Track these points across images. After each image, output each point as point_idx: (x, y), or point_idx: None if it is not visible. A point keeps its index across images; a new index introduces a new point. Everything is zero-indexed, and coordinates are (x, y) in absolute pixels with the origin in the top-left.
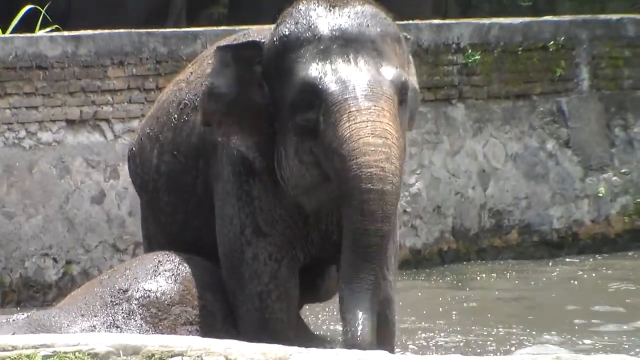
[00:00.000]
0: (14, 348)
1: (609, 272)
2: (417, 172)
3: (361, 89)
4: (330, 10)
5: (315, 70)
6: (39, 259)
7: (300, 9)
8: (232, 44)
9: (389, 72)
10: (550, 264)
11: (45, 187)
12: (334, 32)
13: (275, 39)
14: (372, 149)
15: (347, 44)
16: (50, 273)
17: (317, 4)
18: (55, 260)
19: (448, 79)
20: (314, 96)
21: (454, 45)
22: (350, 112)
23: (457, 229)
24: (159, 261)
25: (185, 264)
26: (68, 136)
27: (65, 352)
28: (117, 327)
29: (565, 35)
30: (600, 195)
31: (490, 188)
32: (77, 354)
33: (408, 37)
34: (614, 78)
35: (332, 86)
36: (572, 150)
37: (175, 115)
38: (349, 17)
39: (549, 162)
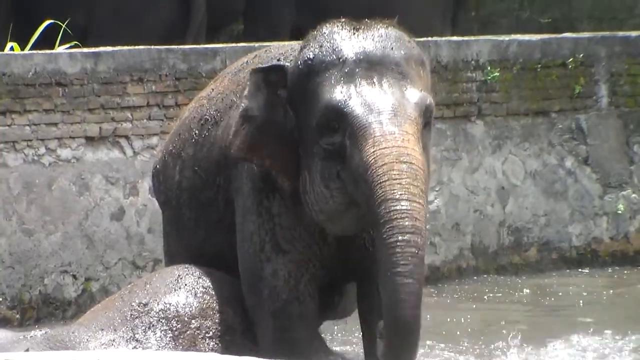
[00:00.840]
0: None
1: (629, 288)
2: (436, 189)
3: (386, 112)
4: (354, 34)
5: (339, 93)
6: (58, 276)
7: (324, 33)
8: (262, 67)
9: (413, 94)
10: (569, 281)
11: (65, 203)
12: (358, 55)
13: (299, 62)
14: (397, 174)
15: (371, 67)
16: (69, 290)
17: (341, 28)
18: (74, 277)
19: (467, 95)
20: (339, 119)
21: (472, 62)
22: (375, 137)
23: (476, 246)
24: (179, 275)
25: (205, 278)
26: (87, 153)
27: None
28: (137, 340)
29: (584, 52)
30: (619, 212)
31: (509, 205)
32: None
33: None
34: (633, 95)
35: (357, 109)
36: (591, 168)
37: (196, 131)
38: (373, 40)
39: (568, 179)
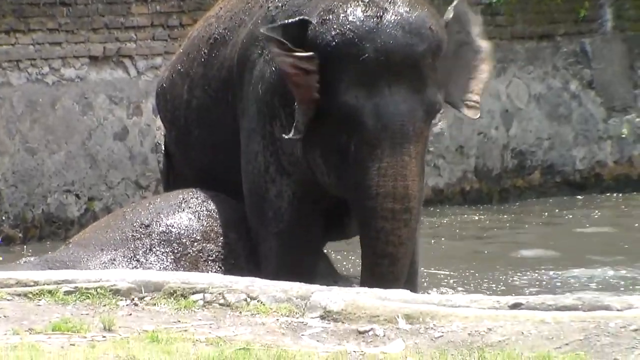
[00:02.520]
0: (36, 283)
1: (633, 211)
2: (440, 112)
3: (395, 129)
4: (378, 21)
5: (354, 98)
6: (61, 195)
7: (348, 13)
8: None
9: (424, 100)
10: (573, 203)
11: (68, 123)
12: (379, 55)
13: (319, 39)
14: (392, 216)
15: (391, 68)
16: (72, 209)
17: (364, 8)
18: (77, 196)
19: None
20: (349, 125)
21: None
22: (380, 165)
23: (479, 169)
24: (183, 198)
25: (209, 201)
26: (91, 72)
27: (87, 288)
28: (138, 260)
29: None
30: (623, 136)
31: (513, 128)
32: (98, 290)
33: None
34: (638, 19)
35: (367, 121)
36: (595, 91)
37: (206, 50)
38: (396, 32)
39: (572, 103)
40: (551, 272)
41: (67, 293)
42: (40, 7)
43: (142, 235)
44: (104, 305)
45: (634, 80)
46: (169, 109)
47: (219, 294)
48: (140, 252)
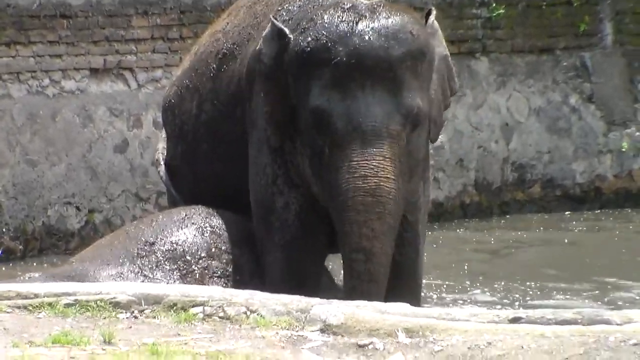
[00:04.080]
0: (36, 296)
1: (631, 225)
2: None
3: (367, 131)
4: (353, 26)
5: (326, 100)
6: (61, 207)
7: (325, 20)
8: (276, 26)
9: (401, 104)
10: (573, 218)
11: (69, 135)
12: (351, 58)
13: (296, 46)
14: (364, 208)
15: (364, 71)
16: (72, 221)
17: (342, 15)
18: (78, 208)
19: (472, 32)
20: (322, 128)
21: None
22: (351, 162)
23: (479, 182)
24: (186, 214)
25: (212, 218)
26: (91, 85)
27: (87, 301)
28: (145, 276)
29: None
30: (623, 150)
31: (513, 142)
32: (98, 302)
33: (430, 10)
34: (638, 33)
35: (339, 123)
36: (595, 105)
37: (214, 65)
38: (371, 36)
39: (572, 116)
40: (551, 285)
41: (67, 305)
42: (41, 20)
43: (148, 252)
44: (104, 318)
45: (634, 94)
46: (177, 123)
47: (219, 307)
48: (147, 268)
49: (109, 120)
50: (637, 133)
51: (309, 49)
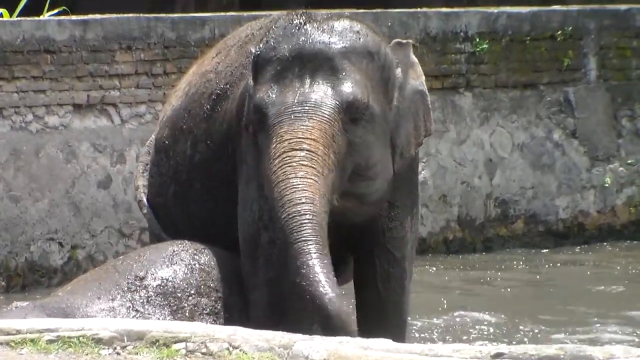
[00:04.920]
0: (18, 332)
1: (614, 261)
2: (424, 160)
3: (297, 111)
4: (299, 29)
5: (265, 92)
6: (44, 244)
7: (277, 26)
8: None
9: (337, 92)
10: (556, 253)
11: (52, 171)
12: (292, 52)
13: (255, 56)
14: (289, 159)
15: (303, 64)
16: (55, 257)
17: (292, 21)
18: (60, 244)
19: (456, 67)
20: (261, 119)
21: (461, 34)
22: (279, 132)
23: (462, 218)
24: (174, 250)
25: (201, 254)
26: (75, 120)
27: (70, 337)
28: (137, 311)
29: (573, 25)
30: (607, 185)
31: (496, 177)
32: (81, 338)
33: (407, 42)
34: (622, 68)
35: (273, 109)
36: (578, 141)
37: (208, 106)
38: (313, 35)
39: (556, 152)
40: (533, 320)
41: (50, 342)
42: (25, 55)
43: (139, 287)
44: (86, 354)
45: (617, 130)
46: (171, 165)
47: (202, 342)
48: (139, 303)
49: (93, 156)
50: (621, 168)
51: (259, 52)
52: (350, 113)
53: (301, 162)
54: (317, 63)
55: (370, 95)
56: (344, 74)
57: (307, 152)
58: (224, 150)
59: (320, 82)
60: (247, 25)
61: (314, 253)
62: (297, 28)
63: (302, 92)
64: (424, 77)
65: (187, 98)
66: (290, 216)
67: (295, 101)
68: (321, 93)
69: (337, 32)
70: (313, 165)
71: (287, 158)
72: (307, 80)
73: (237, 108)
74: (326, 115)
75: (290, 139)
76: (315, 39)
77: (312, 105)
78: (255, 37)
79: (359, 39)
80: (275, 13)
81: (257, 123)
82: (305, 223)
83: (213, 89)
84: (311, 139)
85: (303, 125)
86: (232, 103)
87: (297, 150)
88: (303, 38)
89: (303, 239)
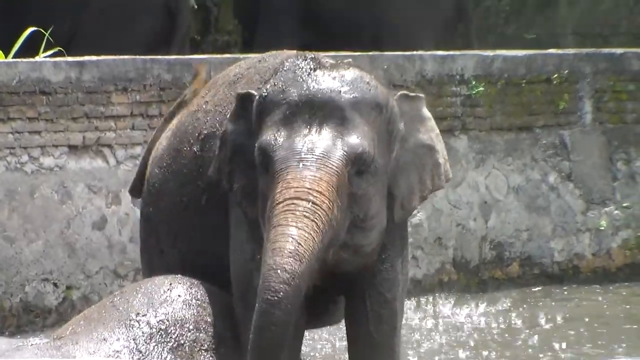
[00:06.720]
0: None
1: (609, 304)
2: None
3: (305, 159)
4: (309, 74)
5: (272, 136)
6: (39, 284)
7: (284, 69)
8: (240, 94)
9: (345, 143)
10: (551, 296)
11: (47, 212)
12: (302, 99)
13: (260, 97)
14: (293, 207)
15: (314, 111)
16: (50, 298)
17: (300, 66)
18: (55, 285)
19: (451, 110)
20: (266, 162)
21: (457, 77)
22: (285, 179)
23: (457, 260)
24: (170, 284)
25: (196, 289)
26: (70, 161)
27: None
28: (140, 351)
29: (568, 69)
30: (602, 228)
31: (491, 220)
32: None
33: (417, 96)
34: (617, 112)
35: (279, 154)
36: (574, 184)
37: (198, 147)
38: (323, 82)
39: (551, 194)
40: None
41: None
42: (20, 96)
43: (140, 324)
44: None
45: (613, 173)
46: (161, 206)
47: None
48: (141, 341)
49: (88, 197)
50: (616, 211)
51: (266, 94)
52: (357, 165)
53: (304, 213)
54: (327, 111)
55: (376, 148)
56: (353, 125)
57: (312, 204)
58: (214, 191)
59: (330, 131)
60: (236, 65)
61: (277, 314)
62: (307, 73)
63: (310, 140)
64: (436, 132)
65: (176, 138)
66: (274, 266)
67: (304, 148)
68: (330, 142)
69: (347, 81)
70: (315, 220)
71: (292, 205)
72: (316, 128)
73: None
74: (334, 167)
75: (297, 187)
76: (326, 87)
77: (321, 154)
78: (245, 76)
79: (369, 90)
80: (266, 54)
81: (260, 165)
82: (284, 282)
83: (201, 129)
84: (318, 190)
85: (311, 175)
86: None
87: (302, 200)
88: (314, 84)
89: (274, 303)
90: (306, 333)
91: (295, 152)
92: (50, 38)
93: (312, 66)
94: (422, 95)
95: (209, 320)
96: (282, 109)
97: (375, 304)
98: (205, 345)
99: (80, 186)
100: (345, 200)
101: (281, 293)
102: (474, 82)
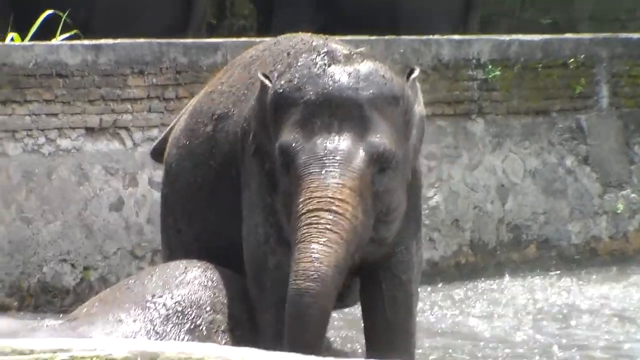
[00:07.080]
0: (32, 352)
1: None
2: (436, 185)
3: (328, 163)
4: (324, 69)
5: (292, 137)
6: (57, 265)
7: (298, 64)
8: (261, 83)
9: (366, 143)
10: (568, 279)
11: (64, 193)
12: (319, 97)
13: (272, 91)
14: (316, 220)
15: (331, 110)
16: (68, 279)
17: (314, 60)
18: (73, 266)
19: (468, 94)
20: (288, 164)
21: (474, 61)
22: (309, 187)
23: (475, 243)
24: (186, 267)
25: (212, 272)
26: (87, 143)
27: (83, 357)
28: (157, 332)
29: (585, 53)
30: (619, 212)
31: (508, 203)
32: (94, 358)
33: (415, 70)
34: (634, 96)
35: (301, 157)
36: (590, 167)
37: (211, 127)
38: (341, 78)
39: (568, 178)
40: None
41: None
42: (37, 79)
43: (157, 306)
44: None
45: (629, 157)
46: (177, 189)
47: None
48: (158, 322)
49: (105, 179)
50: (633, 195)
51: (281, 90)
52: (379, 164)
53: (327, 226)
54: (346, 110)
55: (395, 142)
56: (372, 123)
57: (334, 214)
58: (226, 172)
59: (350, 132)
60: (254, 48)
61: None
62: (322, 70)
63: (331, 142)
64: (421, 96)
65: (192, 118)
66: (298, 290)
67: (326, 151)
68: (351, 145)
69: (363, 76)
70: (338, 231)
71: (314, 218)
72: (336, 130)
73: (241, 132)
74: (357, 170)
75: (320, 197)
76: (343, 84)
77: (343, 157)
78: (259, 58)
79: (385, 84)
80: (280, 36)
81: (281, 165)
82: (308, 305)
83: (215, 109)
84: (340, 199)
85: (333, 182)
86: (235, 124)
87: (325, 211)
88: (330, 82)
89: (298, 330)
90: None
91: (317, 157)
92: (67, 21)
93: (326, 61)
94: (417, 69)
95: (225, 302)
96: (299, 109)
97: (391, 287)
98: (222, 327)
99: (97, 168)
100: (369, 201)
101: (306, 317)
102: (490, 67)
